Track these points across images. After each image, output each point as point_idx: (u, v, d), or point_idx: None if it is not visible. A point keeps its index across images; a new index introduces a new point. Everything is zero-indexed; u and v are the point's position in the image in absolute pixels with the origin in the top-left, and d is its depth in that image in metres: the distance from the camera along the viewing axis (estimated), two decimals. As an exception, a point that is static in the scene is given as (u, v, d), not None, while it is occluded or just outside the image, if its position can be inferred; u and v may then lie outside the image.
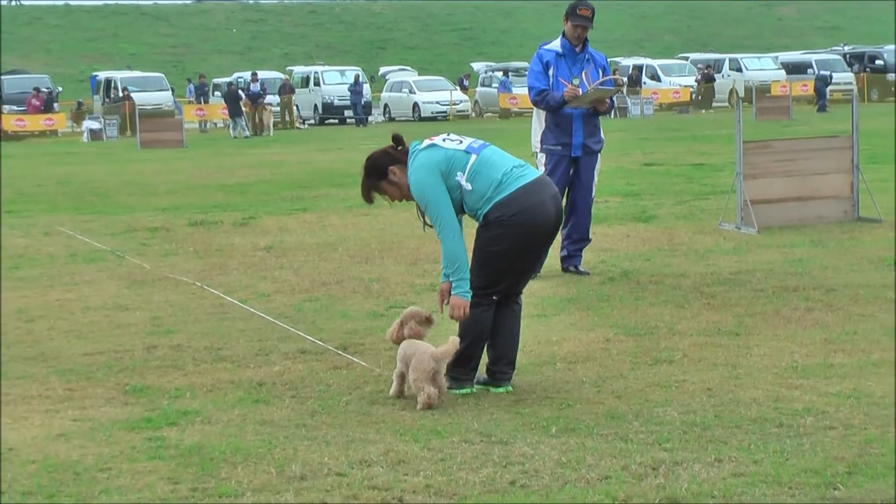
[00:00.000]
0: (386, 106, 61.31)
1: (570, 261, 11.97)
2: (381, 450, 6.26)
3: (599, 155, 11.97)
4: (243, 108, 50.11)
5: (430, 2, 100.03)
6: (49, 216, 18.72)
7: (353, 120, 57.16)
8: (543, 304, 10.33)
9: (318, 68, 62.59)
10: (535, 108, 12.02)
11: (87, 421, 7.01)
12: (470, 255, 7.43)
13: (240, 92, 50.41)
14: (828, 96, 54.25)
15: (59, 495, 5.71)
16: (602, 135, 11.99)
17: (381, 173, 7.52)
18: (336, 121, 59.28)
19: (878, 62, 63.62)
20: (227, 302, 10.84)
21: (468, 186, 7.33)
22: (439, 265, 7.62)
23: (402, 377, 7.38)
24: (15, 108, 55.16)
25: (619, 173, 22.49)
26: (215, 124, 57.25)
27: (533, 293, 10.87)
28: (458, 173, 7.33)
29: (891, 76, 62.21)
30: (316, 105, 59.71)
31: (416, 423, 6.79)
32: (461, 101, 60.04)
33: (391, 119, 60.12)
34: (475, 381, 7.57)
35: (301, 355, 8.61)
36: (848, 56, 64.95)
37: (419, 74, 68.68)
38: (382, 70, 73.28)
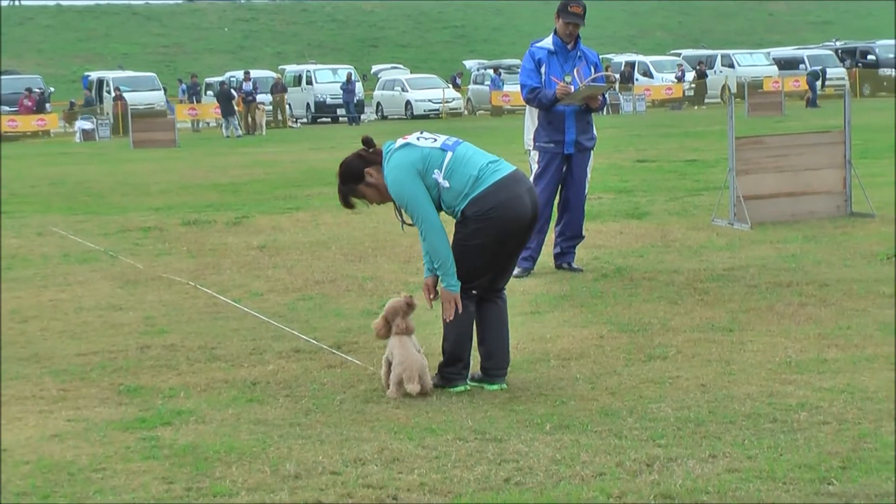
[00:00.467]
0: (378, 104, 61.29)
1: (564, 258, 11.97)
2: (376, 448, 6.26)
3: (592, 152, 11.97)
4: (236, 108, 50.08)
5: (421, 0, 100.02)
6: (42, 216, 18.70)
7: (346, 118, 57.15)
8: (537, 301, 10.34)
9: (311, 67, 62.56)
10: (527, 106, 12.02)
11: (81, 421, 7.01)
12: None
13: (232, 91, 50.38)
14: (818, 91, 54.25)
15: (54, 496, 5.70)
16: (595, 132, 12.00)
17: (357, 177, 7.50)
18: (328, 119, 59.27)
19: (869, 57, 63.69)
20: (220, 301, 10.83)
21: (445, 184, 7.32)
22: (432, 263, 7.62)
23: (389, 365, 7.42)
24: (7, 108, 55.08)
25: (612, 170, 22.50)
26: (208, 124, 57.21)
27: (526, 290, 10.88)
28: (436, 171, 7.33)
29: (883, 71, 62.25)
30: (308, 104, 59.67)
31: (410, 421, 6.79)
32: (454, 99, 60.01)
33: (384, 117, 60.11)
34: (469, 378, 7.57)
35: (295, 354, 8.61)
36: (840, 51, 65.04)
37: (411, 72, 68.68)
38: (375, 68, 73.30)
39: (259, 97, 52.16)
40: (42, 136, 53.82)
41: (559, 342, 8.70)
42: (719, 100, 59.89)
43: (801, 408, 6.76)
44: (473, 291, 7.49)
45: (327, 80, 59.76)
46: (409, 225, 7.50)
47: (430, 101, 58.70)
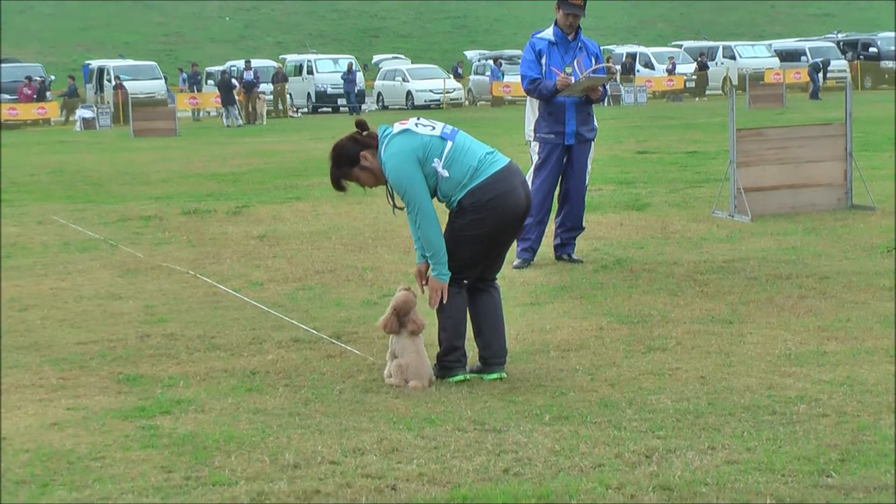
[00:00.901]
0: (379, 94, 61.24)
1: (564, 249, 11.97)
2: (375, 438, 6.26)
3: (593, 143, 11.97)
4: (236, 97, 50.05)
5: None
6: (42, 205, 18.69)
7: (347, 108, 57.10)
8: (537, 293, 10.33)
9: (312, 56, 62.47)
10: (528, 97, 12.02)
11: (80, 410, 7.01)
12: None
13: (233, 81, 50.34)
14: (819, 83, 54.21)
15: (53, 484, 5.70)
16: (595, 123, 11.99)
17: (353, 160, 7.50)
18: (329, 109, 59.21)
19: (871, 49, 63.61)
20: (220, 291, 10.83)
21: (445, 173, 7.32)
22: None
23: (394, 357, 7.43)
24: (7, 97, 55.03)
25: (613, 161, 22.49)
26: (208, 113, 57.18)
27: (526, 281, 10.88)
28: (435, 160, 7.32)
29: (884, 64, 62.20)
30: (309, 93, 59.60)
31: (409, 412, 6.80)
32: (454, 90, 59.97)
33: (384, 107, 60.07)
34: (469, 369, 7.57)
35: (294, 344, 8.61)
36: (841, 43, 64.95)
37: (412, 63, 68.62)
38: (376, 58, 73.23)
39: (260, 86, 52.10)
40: (42, 124, 53.78)
41: (559, 333, 8.70)
42: (720, 91, 59.86)
43: (801, 400, 6.77)
44: (465, 281, 7.49)
45: (328, 70, 59.68)
46: (400, 209, 7.49)
47: (430, 91, 58.66)
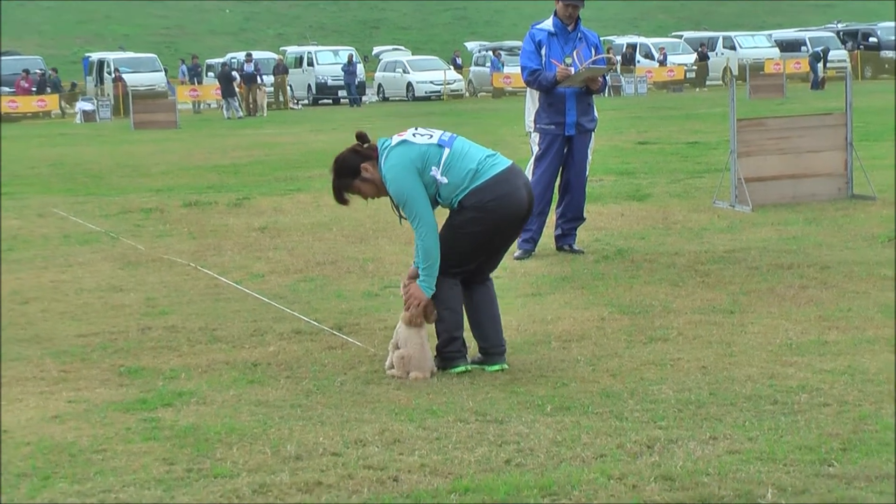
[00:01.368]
0: (380, 86, 61.23)
1: (565, 240, 11.97)
2: (377, 429, 6.26)
3: (593, 134, 11.96)
4: (237, 89, 50.04)
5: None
6: (42, 198, 18.69)
7: (347, 100, 57.07)
8: (538, 283, 10.33)
9: (312, 48, 62.46)
10: (528, 88, 12.01)
11: (81, 402, 7.01)
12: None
13: (233, 73, 50.32)
14: (819, 73, 54.15)
15: (55, 477, 5.71)
16: (596, 113, 11.98)
17: (354, 172, 7.56)
18: (330, 101, 59.18)
19: (871, 39, 63.55)
20: (221, 283, 10.83)
21: (444, 180, 7.37)
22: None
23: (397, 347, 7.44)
24: (7, 89, 55.01)
25: (614, 152, 22.48)
26: (209, 105, 57.17)
27: (527, 272, 10.88)
28: (433, 168, 7.37)
29: (884, 54, 62.15)
30: (310, 85, 59.59)
31: (411, 403, 6.80)
32: (455, 81, 59.94)
33: (385, 99, 60.06)
34: (470, 360, 7.57)
35: (296, 336, 8.61)
36: (842, 33, 64.90)
37: (413, 54, 68.58)
38: (376, 50, 73.18)
39: (261, 78, 52.05)
40: (42, 117, 53.77)
41: (560, 324, 8.70)
42: (721, 82, 59.84)
43: (802, 390, 6.77)
44: (458, 276, 7.50)
45: (328, 62, 59.65)
46: (405, 219, 7.53)
47: (431, 82, 58.67)
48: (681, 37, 67.82)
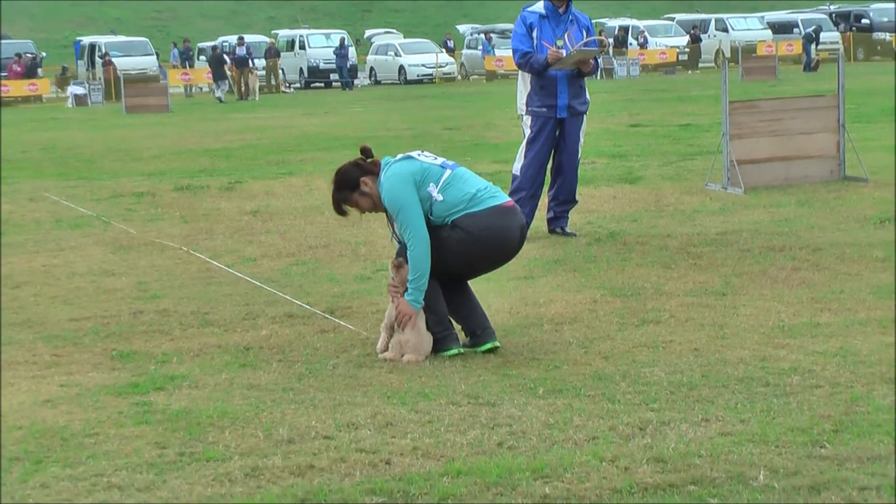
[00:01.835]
0: (372, 69, 61.15)
1: (557, 222, 11.96)
2: (369, 413, 6.26)
3: (585, 116, 11.95)
4: (228, 73, 49.98)
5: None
6: (34, 182, 18.65)
7: (339, 83, 56.99)
8: (530, 266, 10.33)
9: (304, 32, 62.35)
10: (520, 71, 11.99)
11: (73, 386, 7.01)
12: None
13: (224, 56, 50.22)
14: (812, 55, 54.11)
15: (47, 461, 5.70)
16: (587, 96, 11.97)
17: (353, 184, 7.61)
18: (322, 84, 59.10)
19: (863, 21, 63.54)
20: (213, 266, 10.82)
21: (439, 197, 7.43)
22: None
23: (390, 329, 7.44)
24: (-1, 73, 54.93)
25: (606, 135, 22.47)
26: (200, 89, 57.05)
27: (519, 255, 10.81)
28: (431, 184, 7.45)
29: (877, 35, 62.13)
30: (301, 69, 59.50)
31: (403, 386, 6.80)
32: (447, 64, 59.88)
33: (377, 82, 59.98)
34: (461, 344, 7.57)
35: (288, 319, 8.61)
36: (834, 15, 64.87)
37: (405, 37, 68.47)
38: (368, 33, 73.09)
39: (253, 62, 51.95)
40: (34, 101, 53.65)
41: (552, 307, 8.70)
42: (713, 64, 59.80)
43: (794, 371, 6.77)
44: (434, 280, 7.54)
45: (320, 45, 59.57)
46: (400, 242, 7.57)
47: (423, 65, 58.59)
48: (673, 19, 67.75)
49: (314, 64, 58.98)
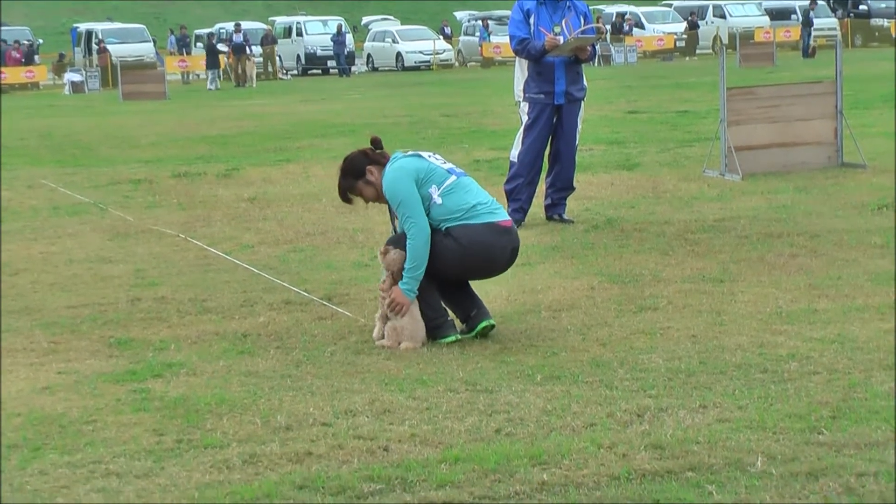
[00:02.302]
0: (369, 56, 61.08)
1: (555, 209, 11.96)
2: (367, 399, 6.27)
3: (583, 103, 11.94)
4: (227, 60, 49.92)
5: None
6: (31, 169, 18.63)
7: (336, 70, 56.93)
8: (528, 253, 10.32)
9: (301, 18, 62.28)
10: (517, 57, 11.98)
11: (71, 374, 7.01)
12: None
13: (218, 45, 50.08)
14: (809, 40, 54.01)
15: (45, 448, 5.71)
16: (585, 82, 11.96)
17: (358, 173, 7.65)
18: (319, 71, 59.04)
19: (861, 7, 63.44)
20: (210, 253, 10.82)
21: (438, 200, 7.46)
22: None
23: (385, 319, 7.44)
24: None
25: (604, 121, 22.46)
26: (198, 76, 56.97)
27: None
28: (433, 186, 7.48)
29: (874, 21, 62.06)
30: (298, 55, 59.44)
31: (401, 373, 6.80)
32: (444, 51, 59.81)
33: (374, 69, 59.91)
34: (459, 331, 7.57)
35: (286, 306, 8.61)
36: (832, 1, 64.76)
37: (402, 24, 68.39)
38: (365, 20, 72.99)
39: (250, 49, 51.90)
40: (31, 88, 53.58)
41: (550, 293, 8.70)
42: (711, 51, 59.71)
43: (792, 358, 6.78)
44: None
45: (317, 32, 59.51)
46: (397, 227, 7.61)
47: (420, 52, 58.54)
48: (671, 5, 67.62)
49: (311, 51, 58.92)
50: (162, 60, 55.56)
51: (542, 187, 12.10)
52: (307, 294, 8.94)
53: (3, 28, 61.22)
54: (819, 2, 63.33)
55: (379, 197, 7.65)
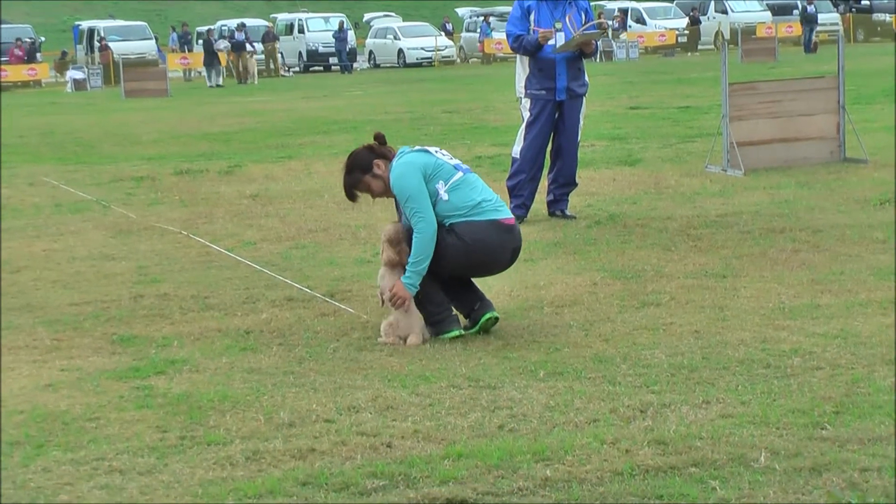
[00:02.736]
0: (371, 52, 61.10)
1: (557, 205, 11.95)
2: (370, 396, 6.27)
3: (584, 98, 11.94)
4: (227, 57, 49.93)
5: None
6: (33, 167, 18.63)
7: (338, 67, 56.92)
8: (530, 249, 10.32)
9: (302, 15, 62.27)
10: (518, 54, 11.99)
11: (74, 371, 7.01)
12: None
13: (215, 42, 50.00)
14: (811, 36, 53.93)
15: (48, 445, 5.71)
16: (586, 78, 11.95)
17: (365, 167, 7.65)
18: (321, 68, 59.04)
19: (863, 2, 63.39)
20: (213, 250, 10.82)
21: (444, 196, 7.47)
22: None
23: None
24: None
25: (605, 117, 22.45)
26: (199, 73, 56.97)
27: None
28: (440, 182, 7.48)
29: (877, 16, 62.01)
30: (300, 52, 59.45)
31: (403, 369, 6.80)
32: (446, 47, 59.80)
33: (376, 66, 59.91)
34: (461, 327, 7.57)
35: (288, 303, 8.61)
36: (833, -4, 64.71)
37: (404, 20, 68.38)
38: (367, 16, 72.94)
39: (251, 46, 51.89)
40: (33, 86, 53.59)
41: (552, 289, 8.70)
42: (712, 46, 59.68)
43: (795, 353, 6.77)
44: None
45: (319, 29, 59.50)
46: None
47: (422, 49, 58.54)
48: (672, 1, 67.60)
49: (313, 47, 58.94)
50: (164, 58, 55.56)
51: (544, 183, 12.09)
52: (310, 291, 8.94)
53: (4, 26, 61.14)
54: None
55: (386, 191, 7.63)
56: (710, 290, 8.43)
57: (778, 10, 62.97)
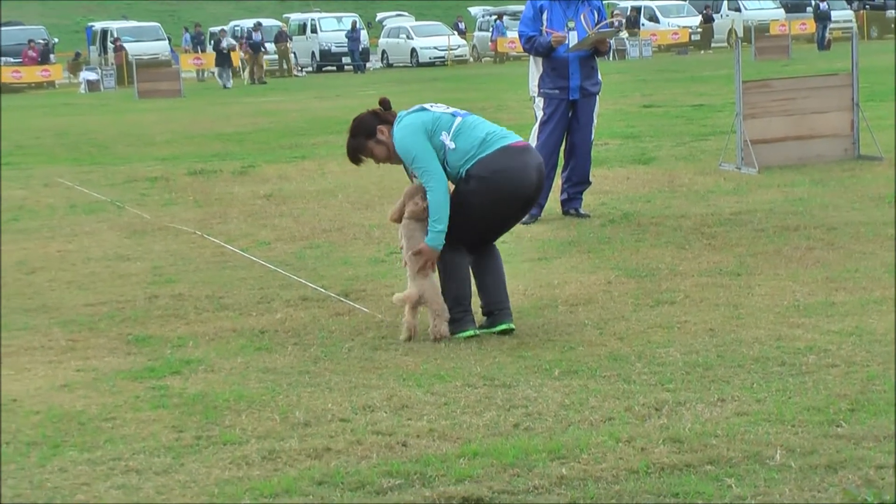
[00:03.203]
0: (384, 52, 61.11)
1: (571, 203, 11.95)
2: (385, 395, 6.28)
3: (598, 97, 11.93)
4: (243, 56, 50.01)
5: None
6: (47, 168, 18.67)
7: (351, 67, 56.96)
8: (544, 248, 10.33)
9: (315, 15, 62.34)
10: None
11: (90, 371, 7.03)
12: None
13: (222, 43, 50.00)
14: (825, 33, 53.80)
15: (64, 445, 5.73)
16: (599, 77, 11.95)
17: (369, 132, 7.65)
18: (334, 68, 59.07)
19: (877, -1, 63.26)
20: (227, 250, 10.84)
21: (451, 145, 7.44)
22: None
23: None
24: (11, 59, 54.89)
25: (619, 115, 22.43)
26: (212, 73, 57.05)
27: (534, 236, 10.88)
28: (443, 133, 7.46)
29: (890, 13, 61.86)
30: (313, 52, 59.49)
31: (418, 368, 6.81)
32: (459, 46, 59.81)
33: (389, 65, 59.94)
34: (477, 326, 7.57)
35: (303, 302, 8.62)
36: (847, -7, 64.58)
37: (416, 20, 68.39)
38: (380, 16, 72.96)
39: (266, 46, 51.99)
40: (47, 87, 53.71)
41: (567, 288, 8.70)
42: (726, 44, 59.58)
43: (810, 351, 6.77)
44: (463, 246, 7.51)
45: (332, 29, 59.54)
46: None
47: (435, 48, 58.56)
48: (685, -1, 67.50)
49: (326, 47, 58.97)
50: (177, 58, 55.63)
51: (558, 182, 12.09)
52: (324, 290, 8.95)
53: (17, 28, 61.25)
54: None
55: (390, 156, 7.62)
56: (724, 288, 8.43)
57: (791, 8, 62.87)
